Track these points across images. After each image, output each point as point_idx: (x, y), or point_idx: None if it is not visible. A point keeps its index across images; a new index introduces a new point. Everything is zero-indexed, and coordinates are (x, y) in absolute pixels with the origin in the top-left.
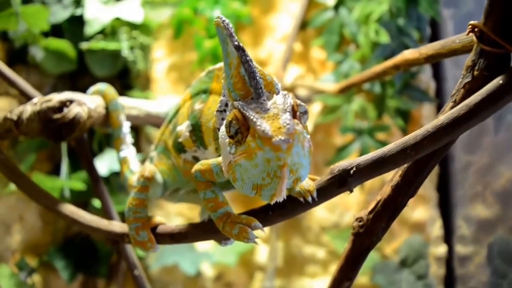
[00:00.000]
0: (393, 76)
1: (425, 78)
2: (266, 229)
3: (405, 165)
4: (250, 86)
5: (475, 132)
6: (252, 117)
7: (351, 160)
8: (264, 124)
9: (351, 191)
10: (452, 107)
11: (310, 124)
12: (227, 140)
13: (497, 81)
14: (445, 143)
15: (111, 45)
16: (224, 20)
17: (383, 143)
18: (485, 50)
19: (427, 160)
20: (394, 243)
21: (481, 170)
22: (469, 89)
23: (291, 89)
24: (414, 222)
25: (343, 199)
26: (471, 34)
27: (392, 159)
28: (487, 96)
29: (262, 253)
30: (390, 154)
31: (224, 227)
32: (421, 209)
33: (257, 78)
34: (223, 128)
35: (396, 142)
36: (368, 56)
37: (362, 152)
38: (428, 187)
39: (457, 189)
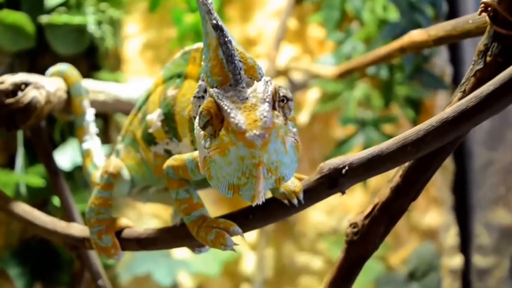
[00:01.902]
0: (403, 59)
1: (440, 61)
2: (254, 234)
3: (407, 164)
4: (228, 71)
5: (497, 124)
6: (226, 108)
7: (344, 157)
8: (238, 116)
9: (343, 192)
10: (460, 98)
11: (306, 114)
12: (202, 132)
13: None
14: (452, 139)
15: (75, 19)
16: None
17: (391, 137)
18: (500, 33)
19: (432, 158)
20: (401, 252)
21: (504, 169)
22: (481, 78)
23: (284, 72)
24: (425, 229)
25: (342, 200)
26: (483, 14)
27: (391, 157)
28: (500, 86)
29: (249, 262)
30: (389, 152)
31: (199, 232)
32: (433, 214)
33: (236, 62)
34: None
35: (396, 137)
36: (374, 36)
37: (366, 147)
38: (442, 188)
39: (476, 191)
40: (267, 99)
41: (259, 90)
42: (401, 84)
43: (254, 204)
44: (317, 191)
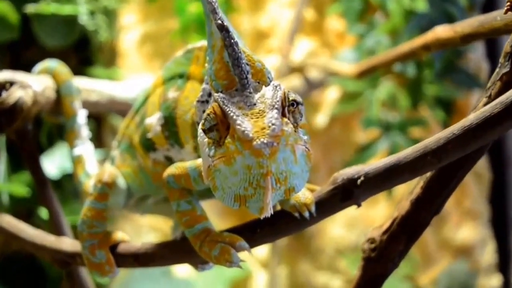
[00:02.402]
0: (432, 54)
1: (475, 57)
2: (266, 250)
3: (428, 175)
4: (234, 75)
5: None
6: (232, 114)
7: (359, 167)
8: (245, 123)
9: (359, 205)
10: (486, 104)
11: (324, 116)
12: (206, 139)
13: None
14: (476, 147)
15: (65, 9)
16: None
17: (419, 142)
18: None
19: (455, 167)
20: (431, 271)
21: None
22: (507, 82)
23: (299, 69)
24: (458, 245)
25: (364, 212)
26: (510, 13)
27: (410, 167)
28: None
29: (259, 281)
30: (407, 161)
31: (202, 247)
32: (467, 228)
33: (242, 65)
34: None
35: (415, 146)
36: (400, 29)
37: (391, 153)
38: (477, 199)
39: None
40: (276, 105)
41: (267, 95)
42: (431, 82)
43: (262, 217)
44: (330, 203)
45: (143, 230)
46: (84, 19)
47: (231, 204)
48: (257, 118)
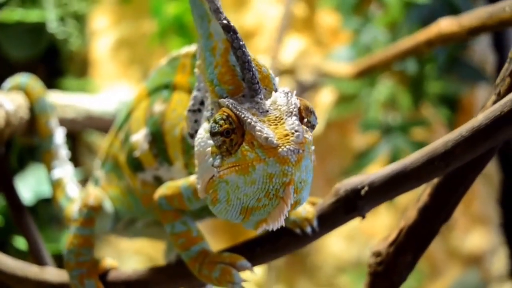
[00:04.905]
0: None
1: (480, 48)
2: (262, 269)
3: (435, 181)
4: (243, 80)
5: None
6: (249, 120)
7: (362, 176)
8: (266, 130)
9: (363, 216)
10: (495, 102)
11: (318, 121)
12: (209, 148)
13: None
14: (486, 150)
15: (32, 15)
16: None
17: (423, 144)
18: None
19: (463, 172)
20: (440, 282)
21: None
22: None
23: (289, 71)
24: (468, 253)
25: (366, 223)
26: None
27: (416, 173)
28: None
29: None
30: (413, 167)
31: (201, 270)
32: (477, 234)
33: (253, 69)
34: (201, 132)
35: (421, 150)
36: (399, 21)
37: (393, 158)
38: (487, 202)
39: None
40: (294, 112)
41: (280, 102)
42: (433, 79)
43: (258, 232)
44: (333, 216)
45: (125, 254)
46: (53, 26)
47: (235, 217)
48: (276, 125)
